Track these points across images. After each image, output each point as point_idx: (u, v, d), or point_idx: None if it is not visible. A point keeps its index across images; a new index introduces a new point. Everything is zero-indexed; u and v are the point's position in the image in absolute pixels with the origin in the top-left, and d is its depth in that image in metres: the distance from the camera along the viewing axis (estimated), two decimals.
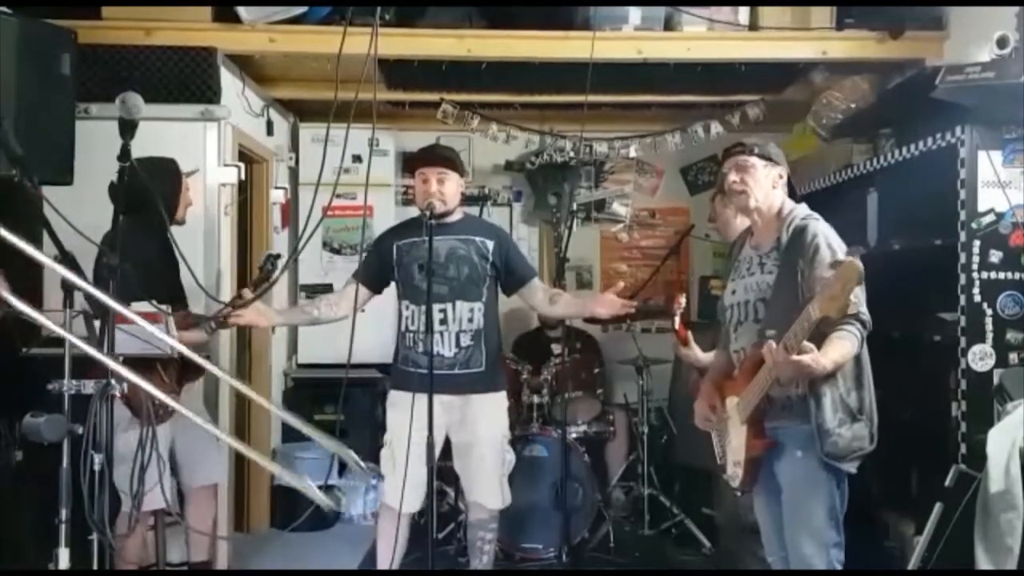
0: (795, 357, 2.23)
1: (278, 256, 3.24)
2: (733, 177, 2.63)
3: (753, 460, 2.53)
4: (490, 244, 3.30)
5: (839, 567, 2.46)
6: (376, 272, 3.33)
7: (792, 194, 2.70)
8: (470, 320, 3.23)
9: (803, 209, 2.62)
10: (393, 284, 3.37)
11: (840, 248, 2.47)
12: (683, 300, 3.55)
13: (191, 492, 3.32)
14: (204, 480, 3.32)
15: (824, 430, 2.38)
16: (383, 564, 3.29)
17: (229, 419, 3.93)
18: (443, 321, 3.19)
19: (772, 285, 2.53)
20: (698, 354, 3.50)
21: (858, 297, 2.37)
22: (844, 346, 2.33)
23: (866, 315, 2.40)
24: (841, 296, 2.12)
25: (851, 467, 2.45)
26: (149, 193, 2.62)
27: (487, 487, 3.29)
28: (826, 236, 2.48)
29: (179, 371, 3.02)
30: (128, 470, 2.41)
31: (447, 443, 3.29)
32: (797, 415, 2.44)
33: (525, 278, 3.38)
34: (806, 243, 2.46)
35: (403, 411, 3.10)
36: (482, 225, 3.50)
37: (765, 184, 2.61)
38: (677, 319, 3.51)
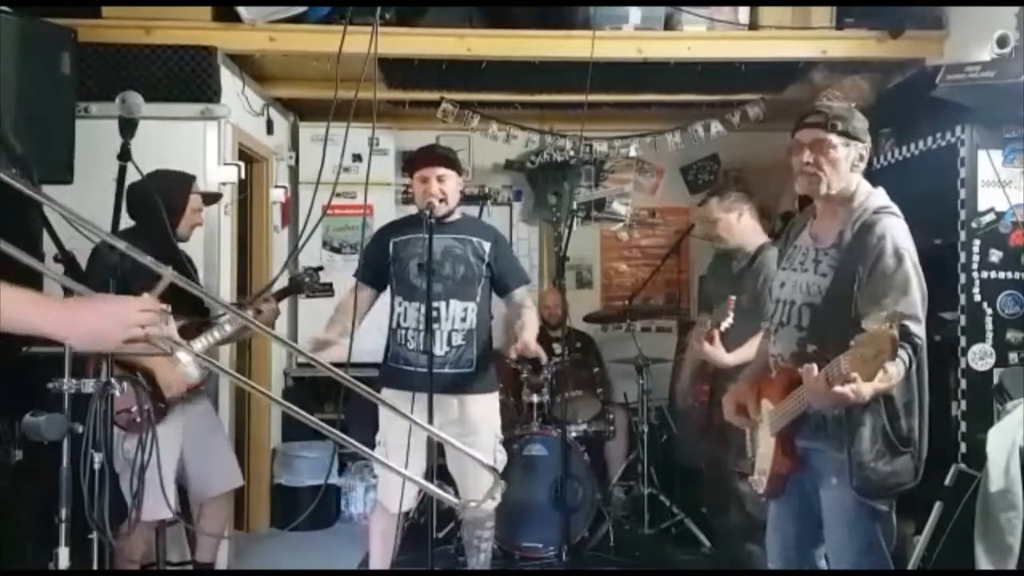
0: (837, 388, 1.98)
1: (319, 269, 3.29)
2: (807, 157, 2.24)
3: (779, 475, 2.33)
4: (487, 245, 3.30)
5: None
6: (376, 269, 3.32)
7: (868, 170, 2.35)
8: (463, 319, 3.23)
9: (877, 199, 2.26)
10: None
11: (909, 252, 2.16)
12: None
13: (207, 501, 3.29)
14: (220, 488, 3.29)
15: (857, 462, 2.14)
16: (376, 563, 3.30)
17: (229, 418, 3.93)
18: (436, 319, 3.17)
19: (824, 290, 2.23)
20: (722, 355, 3.31)
21: (915, 315, 2.12)
22: (889, 373, 2.05)
23: (920, 338, 2.12)
24: (873, 363, 1.91)
25: (884, 505, 2.21)
26: (155, 202, 2.75)
27: (478, 487, 3.28)
28: (894, 238, 2.15)
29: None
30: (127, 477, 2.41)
31: (439, 443, 3.28)
32: (832, 440, 2.21)
33: (510, 286, 3.37)
34: (871, 245, 2.15)
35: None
36: (480, 226, 3.50)
37: (844, 167, 2.24)
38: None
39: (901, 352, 2.06)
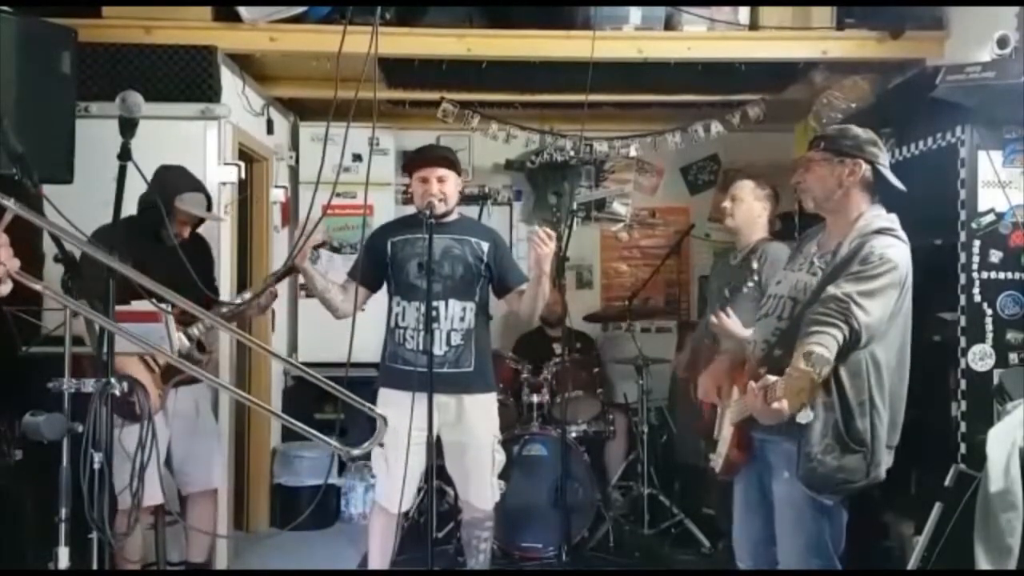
0: (775, 405, 2.10)
1: (320, 246, 3.24)
2: (797, 175, 2.46)
3: (731, 463, 2.51)
4: (485, 246, 3.30)
5: None
6: (371, 269, 3.31)
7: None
8: (462, 319, 3.23)
9: (879, 221, 2.34)
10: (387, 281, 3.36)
11: (896, 265, 2.21)
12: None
13: (190, 497, 3.33)
14: (202, 486, 3.33)
15: (805, 452, 2.21)
16: (376, 563, 3.29)
17: (229, 418, 3.92)
18: (435, 319, 3.17)
19: (808, 288, 2.36)
20: (738, 328, 3.22)
21: (863, 304, 2.17)
22: (816, 352, 2.09)
23: (859, 323, 2.16)
24: (798, 397, 2.06)
25: (829, 500, 2.29)
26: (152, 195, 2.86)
27: (477, 487, 3.29)
28: (883, 249, 2.23)
29: (167, 368, 3.03)
30: (123, 467, 2.41)
31: (438, 442, 3.28)
32: (784, 431, 2.28)
33: (512, 285, 3.34)
34: (859, 257, 2.24)
35: (393, 410, 3.11)
36: (478, 227, 3.50)
37: (829, 182, 2.38)
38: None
39: (835, 331, 2.13)
